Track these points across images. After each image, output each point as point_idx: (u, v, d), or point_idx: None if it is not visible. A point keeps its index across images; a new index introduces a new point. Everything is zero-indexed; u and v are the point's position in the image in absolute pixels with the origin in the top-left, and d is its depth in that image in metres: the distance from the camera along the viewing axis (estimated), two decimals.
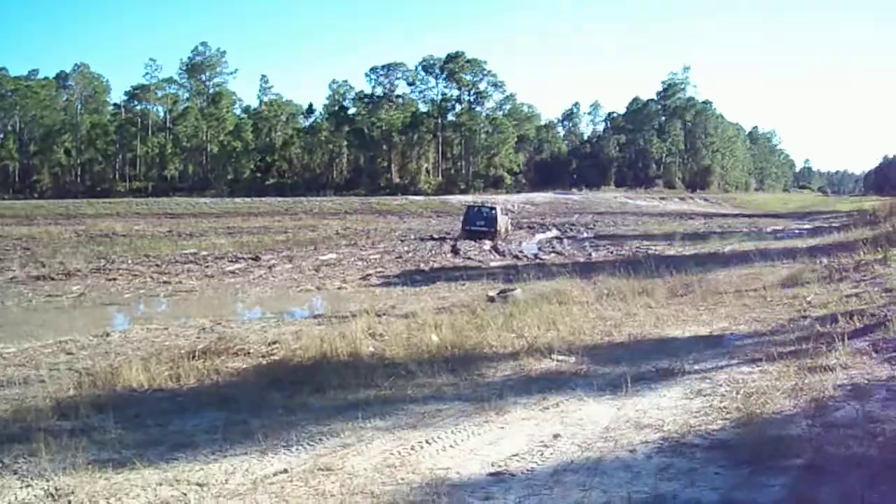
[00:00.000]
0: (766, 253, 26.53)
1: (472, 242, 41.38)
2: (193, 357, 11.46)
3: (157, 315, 20.23)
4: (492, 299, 17.57)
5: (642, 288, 17.80)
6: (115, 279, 26.52)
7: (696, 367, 10.21)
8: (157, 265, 30.79)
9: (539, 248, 39.14)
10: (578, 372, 10.17)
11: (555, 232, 52.58)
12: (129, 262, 32.05)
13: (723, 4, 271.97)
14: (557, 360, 10.81)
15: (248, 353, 12.03)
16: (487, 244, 40.39)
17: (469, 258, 33.70)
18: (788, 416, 7.73)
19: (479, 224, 46.08)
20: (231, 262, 31.86)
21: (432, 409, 8.56)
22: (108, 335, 15.03)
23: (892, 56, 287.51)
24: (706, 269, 22.38)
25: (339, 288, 24.63)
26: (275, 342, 12.84)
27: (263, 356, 11.91)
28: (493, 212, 47.68)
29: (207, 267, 30.14)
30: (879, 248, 21.14)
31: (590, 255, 34.81)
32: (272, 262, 31.65)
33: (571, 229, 55.99)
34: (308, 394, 9.40)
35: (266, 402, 9.13)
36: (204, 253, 35.36)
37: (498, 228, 45.98)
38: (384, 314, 16.40)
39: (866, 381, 8.76)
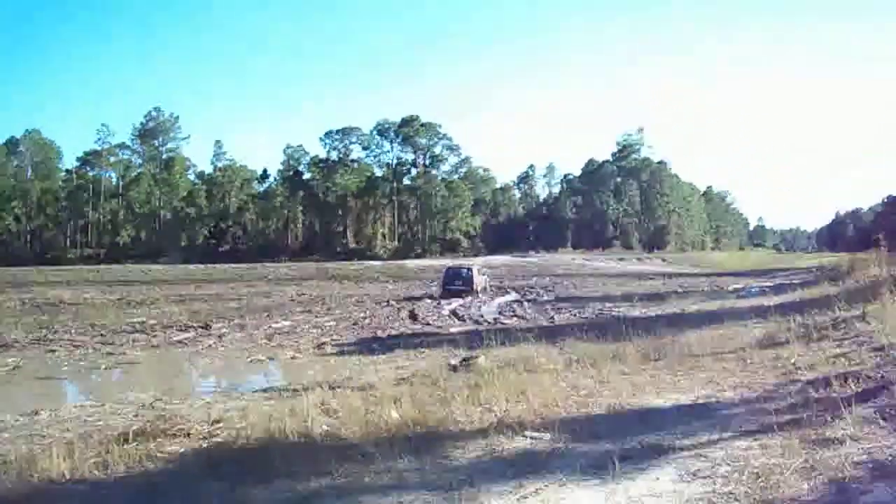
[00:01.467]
0: (735, 312, 25.82)
1: (431, 308, 40.34)
2: (126, 440, 10.28)
3: (95, 390, 19.03)
4: (454, 368, 16.42)
5: (613, 352, 16.76)
6: (54, 350, 25.09)
7: (687, 441, 9.16)
8: (101, 335, 29.34)
9: (500, 312, 38.06)
10: (556, 451, 9.07)
11: (514, 295, 51.67)
12: (73, 331, 30.62)
13: (675, 67, 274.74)
14: (531, 438, 9.71)
15: (188, 434, 10.84)
16: (446, 309, 39.33)
17: (428, 323, 32.58)
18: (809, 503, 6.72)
19: (457, 283, 50.54)
20: (180, 330, 30.50)
21: (394, 500, 7.46)
22: (36, 414, 13.77)
23: (842, 117, 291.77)
24: (676, 330, 21.32)
25: (292, 357, 23.37)
26: (218, 421, 11.63)
27: (205, 437, 10.72)
28: (470, 272, 52.59)
29: (154, 336, 28.77)
30: (854, 305, 20.32)
31: (552, 318, 33.78)
32: (223, 330, 30.35)
33: (531, 292, 55.06)
34: (252, 484, 8.23)
35: (203, 494, 7.98)
36: (152, 321, 33.99)
37: (475, 287, 50.20)
38: (339, 387, 15.24)
39: (888, 457, 7.75)
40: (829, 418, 9.27)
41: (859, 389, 10.89)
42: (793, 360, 14.36)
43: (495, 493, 7.50)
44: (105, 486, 8.54)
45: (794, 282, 52.01)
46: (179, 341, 27.40)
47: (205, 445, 10.31)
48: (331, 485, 8.05)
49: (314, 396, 12.57)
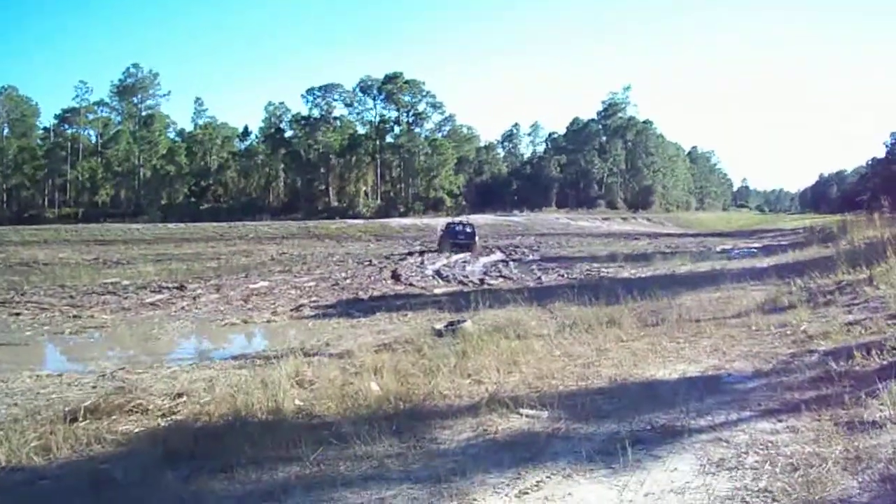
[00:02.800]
0: (728, 274, 24.77)
1: (414, 268, 39.32)
2: (76, 418, 9.28)
3: (56, 358, 18.01)
4: (440, 333, 15.29)
5: (607, 317, 15.69)
6: (19, 314, 23.94)
7: (702, 422, 8.14)
8: (70, 297, 28.30)
9: (485, 272, 36.97)
10: (556, 432, 8.05)
11: (499, 255, 50.61)
12: (42, 293, 29.55)
13: (661, 25, 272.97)
14: (528, 416, 8.68)
15: (147, 410, 9.83)
16: (430, 269, 38.32)
17: (411, 284, 31.41)
18: None
19: (461, 238, 54.13)
20: (154, 292, 29.38)
21: (373, 496, 6.42)
22: None
23: (825, 77, 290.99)
24: (671, 292, 20.33)
25: (268, 321, 22.26)
26: (181, 394, 10.58)
27: (164, 414, 9.69)
28: (473, 228, 57.09)
29: (126, 298, 27.64)
30: (857, 268, 19.32)
31: (539, 278, 32.70)
32: (198, 291, 29.25)
33: (516, 252, 54.01)
34: (211, 473, 7.21)
35: (155, 486, 6.95)
36: (126, 282, 32.91)
37: (476, 241, 54.15)
38: (315, 353, 14.27)
39: None
40: (861, 396, 8.26)
41: (885, 362, 9.88)
42: (802, 328, 13.36)
43: (490, 487, 6.49)
44: (46, 476, 7.55)
45: (783, 243, 51.54)
46: (152, 303, 26.28)
47: (163, 424, 9.31)
48: (301, 474, 7.04)
49: (288, 366, 11.55)
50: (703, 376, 10.56)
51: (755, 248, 51.61)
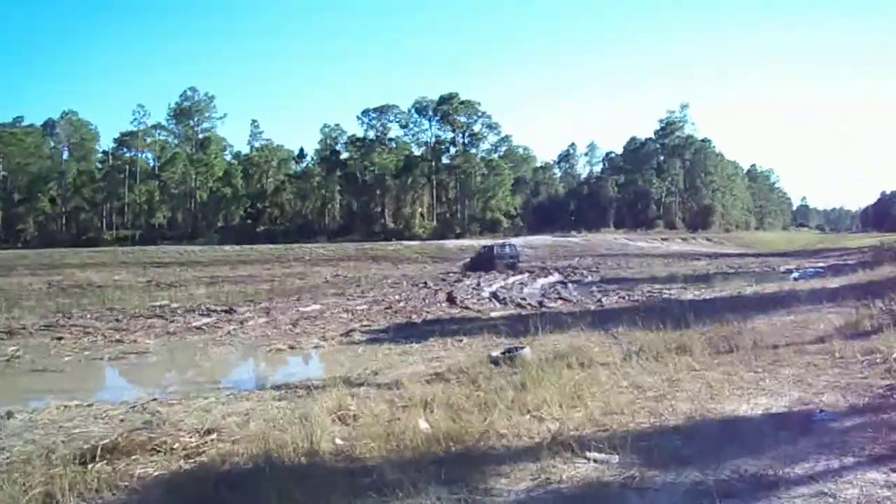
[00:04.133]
0: (797, 295, 23.56)
1: (470, 290, 38.31)
2: (93, 457, 8.39)
3: (90, 385, 17.13)
4: (496, 361, 14.19)
5: (676, 342, 14.53)
6: (62, 337, 23.28)
7: (799, 470, 7.01)
8: (116, 320, 27.70)
9: (543, 295, 35.87)
10: (630, 482, 6.97)
11: (557, 276, 49.57)
12: (89, 316, 29.01)
13: (718, 44, 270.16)
14: (596, 461, 7.60)
15: (171, 449, 8.89)
16: (486, 291, 37.27)
17: (467, 307, 30.31)
18: None
19: (507, 258, 57.28)
20: (202, 315, 28.71)
21: None
22: (9, 417, 11.93)
23: (886, 93, 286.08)
24: (740, 315, 19.08)
25: (315, 346, 21.30)
26: (211, 430, 9.66)
27: (189, 455, 8.73)
28: (515, 248, 62.01)
29: (172, 322, 26.96)
30: None
31: (600, 301, 31.49)
32: (246, 315, 28.47)
33: (574, 273, 53.00)
34: None
35: None
36: (175, 305, 32.34)
37: (520, 260, 58.86)
38: (362, 383, 13.27)
39: None
40: None
41: None
42: (895, 355, 12.16)
43: None
44: None
45: (850, 262, 50.22)
46: (198, 327, 25.54)
47: (185, 468, 8.33)
48: None
49: (330, 399, 10.64)
50: (790, 412, 9.40)
51: (821, 267, 50.51)
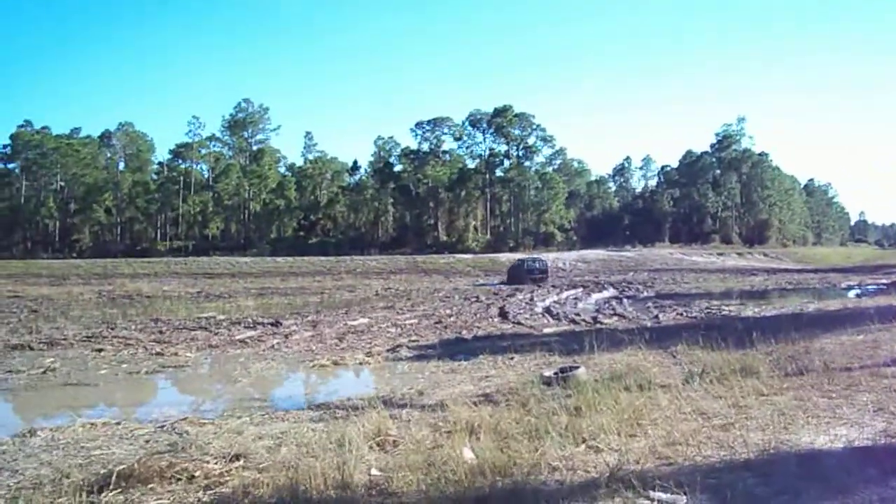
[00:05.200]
0: (863, 313, 22.43)
1: (523, 304, 37.49)
2: (108, 484, 7.70)
3: (122, 401, 16.50)
4: (548, 382, 13.34)
5: (739, 363, 13.54)
6: (102, 350, 22.84)
7: None
8: (160, 332, 27.28)
9: (597, 310, 34.93)
10: None
11: (612, 291, 48.69)
12: (133, 327, 28.60)
13: (774, 55, 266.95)
14: (660, 502, 6.78)
15: (192, 476, 8.18)
16: (539, 306, 36.39)
17: (519, 322, 29.49)
18: None
19: (536, 273, 59.63)
20: (247, 328, 28.18)
21: None
22: (32, 435, 11.35)
23: None
24: (804, 334, 18.08)
25: (360, 362, 20.49)
26: (239, 456, 8.92)
27: (210, 485, 7.99)
28: (545, 263, 64.55)
29: (216, 334, 26.44)
30: None
31: (657, 317, 30.48)
32: (292, 328, 27.83)
33: (629, 288, 51.93)
34: None
35: None
36: (221, 317, 31.88)
37: (549, 275, 60.98)
38: (405, 404, 12.47)
39: None
40: None
41: None
42: None
43: None
44: None
45: None
46: (241, 340, 24.94)
47: (203, 499, 7.58)
48: None
49: (369, 422, 9.90)
50: (875, 447, 8.44)
51: (883, 284, 49.42)
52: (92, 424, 11.98)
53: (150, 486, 7.88)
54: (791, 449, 8.41)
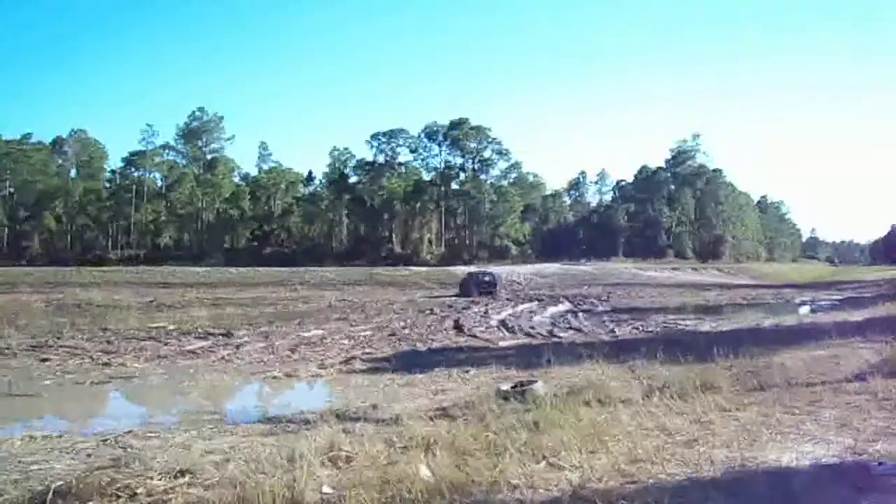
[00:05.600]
0: (820, 329, 22.59)
1: (478, 318, 37.19)
2: (45, 503, 7.31)
3: (66, 414, 15.96)
4: (506, 396, 13.00)
5: (700, 378, 13.31)
6: (47, 359, 22.15)
7: None
8: (108, 342, 26.54)
9: (553, 324, 34.68)
10: None
11: (567, 305, 48.42)
12: (81, 337, 27.89)
13: (730, 73, 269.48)
14: None
15: (135, 494, 7.77)
16: (495, 319, 36.12)
17: (475, 335, 29.17)
18: None
19: (484, 286, 59.28)
20: (198, 338, 27.58)
21: None
22: None
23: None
24: (764, 349, 18.00)
25: (314, 375, 20.04)
26: (186, 471, 8.51)
27: (154, 502, 7.58)
28: (494, 276, 64.18)
29: (166, 344, 25.79)
30: None
31: (613, 331, 30.31)
32: (244, 339, 27.29)
33: (585, 302, 51.73)
34: None
35: None
36: (171, 327, 31.21)
37: (498, 288, 60.03)
38: (359, 418, 12.13)
39: None
40: None
41: None
42: None
43: None
44: None
45: (867, 295, 49.81)
46: (192, 351, 24.40)
47: None
48: None
49: (322, 436, 9.59)
50: (842, 464, 8.21)
51: (838, 300, 49.92)
52: (32, 437, 11.50)
53: (88, 503, 7.48)
54: (758, 467, 8.17)
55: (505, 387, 14.00)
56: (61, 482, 7.95)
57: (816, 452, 8.67)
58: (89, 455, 10.22)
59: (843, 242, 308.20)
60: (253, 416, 14.15)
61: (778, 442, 9.19)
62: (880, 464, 8.11)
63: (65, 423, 13.78)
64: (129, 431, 11.90)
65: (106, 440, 11.28)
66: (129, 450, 10.31)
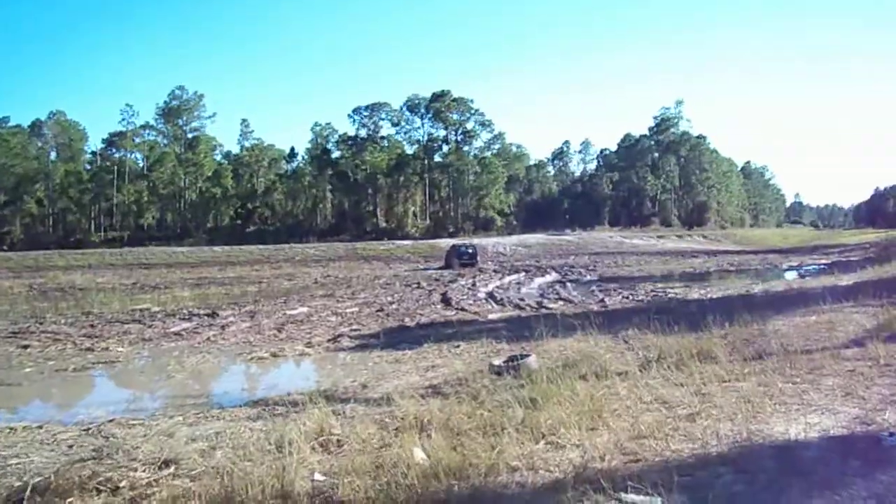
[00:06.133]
0: (810, 294, 22.36)
1: (465, 290, 37.02)
2: (23, 500, 6.95)
3: (47, 402, 15.67)
4: (498, 371, 12.67)
5: (695, 348, 12.96)
6: (28, 346, 21.81)
7: None
8: (91, 325, 26.24)
9: (542, 295, 34.45)
10: None
11: (554, 275, 48.34)
12: (63, 322, 27.57)
13: (713, 40, 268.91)
14: None
15: (117, 487, 7.43)
16: (482, 292, 35.88)
17: (463, 308, 28.90)
18: None
19: (465, 258, 61.45)
20: (183, 319, 27.30)
21: None
22: None
23: (878, 90, 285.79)
24: (756, 316, 17.60)
25: (300, 353, 19.84)
26: (171, 461, 8.17)
27: (136, 497, 7.23)
28: (475, 248, 66.14)
29: (150, 327, 25.48)
30: None
31: (602, 301, 30.00)
32: (230, 319, 27.00)
33: (571, 272, 51.60)
34: None
35: None
36: (155, 309, 30.97)
37: (478, 260, 62.63)
38: (349, 399, 11.83)
39: None
40: None
41: None
42: None
43: None
44: None
45: (853, 259, 49.92)
46: (176, 333, 24.07)
47: None
48: None
49: (311, 420, 9.21)
50: (852, 435, 7.89)
51: (824, 264, 49.91)
52: (11, 429, 11.16)
53: (68, 500, 7.13)
54: (764, 440, 7.84)
55: (497, 361, 13.69)
56: (40, 477, 7.61)
57: (823, 424, 8.34)
58: (70, 446, 9.90)
59: (826, 207, 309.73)
60: (239, 400, 13.85)
61: (782, 413, 8.86)
62: (891, 434, 7.80)
63: (46, 413, 13.46)
64: (112, 420, 11.58)
65: (88, 429, 10.96)
66: (111, 439, 10.01)
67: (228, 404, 13.11)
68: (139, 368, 19.04)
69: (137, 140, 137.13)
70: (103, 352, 20.81)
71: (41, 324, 26.95)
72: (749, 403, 9.26)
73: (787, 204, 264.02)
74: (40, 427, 11.29)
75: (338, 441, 8.66)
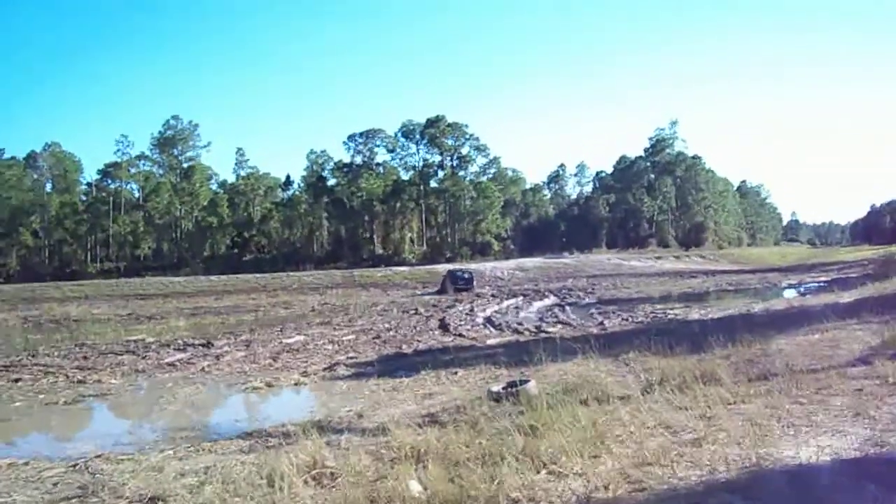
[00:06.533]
0: (811, 312, 22.10)
1: (463, 315, 36.78)
2: None
3: (35, 437, 15.34)
4: (497, 398, 12.38)
5: (698, 369, 12.66)
6: (19, 379, 21.50)
7: None
8: (84, 357, 25.96)
9: (540, 319, 34.20)
10: None
11: (553, 299, 48.05)
12: (56, 354, 27.30)
13: (707, 60, 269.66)
14: None
15: None
16: (480, 317, 35.63)
17: (461, 334, 28.64)
18: None
19: (461, 283, 61.45)
20: (177, 350, 27.04)
21: None
22: None
23: (874, 107, 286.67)
24: (758, 336, 17.30)
25: (296, 383, 19.47)
26: (158, 498, 7.89)
27: None
28: (471, 273, 66.06)
29: (144, 358, 25.24)
30: None
31: (602, 324, 29.78)
32: (224, 349, 26.74)
33: (570, 295, 51.34)
34: None
35: None
36: (150, 339, 30.70)
37: (474, 285, 62.12)
38: (344, 429, 11.53)
39: None
40: None
41: None
42: None
43: None
44: None
45: (852, 276, 49.97)
46: (170, 363, 23.82)
47: None
48: None
49: (304, 451, 8.91)
50: (865, 458, 7.60)
51: (824, 281, 49.92)
52: None
53: None
54: (774, 465, 7.55)
55: (496, 387, 13.40)
56: None
57: (834, 446, 8.06)
58: (55, 484, 9.62)
59: (823, 224, 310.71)
60: (232, 431, 13.53)
61: (791, 436, 8.57)
62: None
63: (34, 448, 13.14)
64: (100, 455, 11.26)
65: (75, 465, 10.64)
66: (97, 475, 9.72)
67: (221, 436, 12.84)
68: (131, 400, 18.79)
69: (133, 170, 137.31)
70: (95, 384, 20.53)
71: (33, 356, 26.69)
72: (756, 426, 8.96)
73: (784, 222, 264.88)
74: (26, 464, 11.00)
75: (331, 474, 8.37)
